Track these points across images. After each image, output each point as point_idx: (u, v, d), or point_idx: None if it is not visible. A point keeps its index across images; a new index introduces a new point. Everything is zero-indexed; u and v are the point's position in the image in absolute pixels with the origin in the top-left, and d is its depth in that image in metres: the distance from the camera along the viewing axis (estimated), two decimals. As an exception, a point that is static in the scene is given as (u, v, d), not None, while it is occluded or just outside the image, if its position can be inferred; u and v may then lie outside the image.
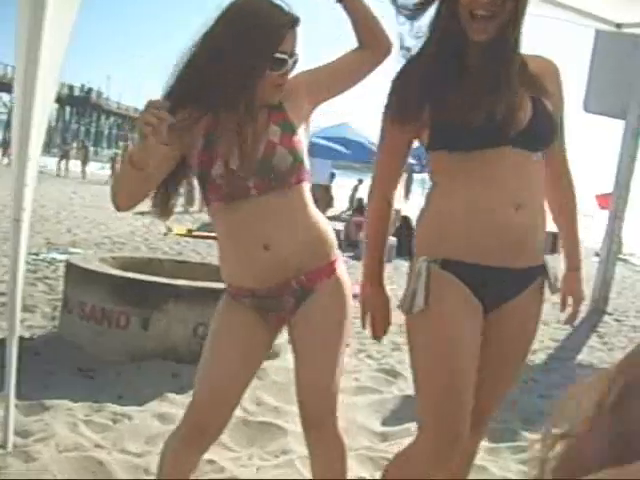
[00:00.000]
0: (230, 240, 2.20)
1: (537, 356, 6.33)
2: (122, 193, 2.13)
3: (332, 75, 2.24)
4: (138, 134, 1.96)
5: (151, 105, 1.92)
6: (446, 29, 1.96)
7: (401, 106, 2.02)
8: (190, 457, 2.24)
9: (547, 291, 2.20)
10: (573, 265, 2.30)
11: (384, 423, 4.00)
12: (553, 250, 15.57)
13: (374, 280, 2.29)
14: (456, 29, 1.93)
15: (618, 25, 3.20)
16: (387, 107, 2.06)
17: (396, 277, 10.72)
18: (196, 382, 2.25)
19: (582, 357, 6.56)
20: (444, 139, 1.99)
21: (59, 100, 66.87)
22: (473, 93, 1.92)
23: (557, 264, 2.24)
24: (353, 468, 3.23)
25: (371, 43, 2.18)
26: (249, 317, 2.23)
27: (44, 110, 2.94)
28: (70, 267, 4.78)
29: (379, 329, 2.35)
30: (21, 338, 4.50)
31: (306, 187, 2.17)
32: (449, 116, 1.94)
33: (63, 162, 28.03)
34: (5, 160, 26.10)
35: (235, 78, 2.04)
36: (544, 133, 2.02)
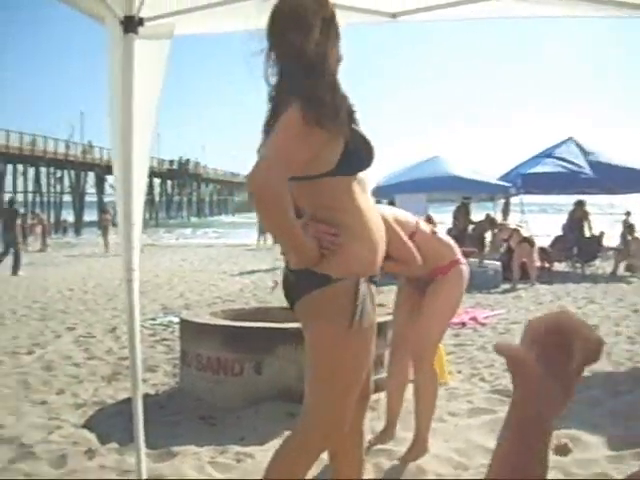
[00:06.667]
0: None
1: (658, 361, 6.13)
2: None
3: None
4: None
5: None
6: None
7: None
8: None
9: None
10: None
11: (501, 440, 4.00)
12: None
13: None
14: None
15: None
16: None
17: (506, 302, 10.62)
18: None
19: None
20: (356, 162, 2.30)
21: (160, 175, 69.99)
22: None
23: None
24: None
25: None
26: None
27: (141, 181, 3.21)
28: (184, 323, 5.07)
29: None
30: (147, 395, 4.82)
31: None
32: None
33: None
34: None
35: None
36: None
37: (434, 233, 3.72)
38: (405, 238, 3.42)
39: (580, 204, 15.43)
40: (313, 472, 3.40)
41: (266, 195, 2.08)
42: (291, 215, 2.12)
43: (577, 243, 15.07)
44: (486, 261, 13.11)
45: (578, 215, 15.39)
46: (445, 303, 3.66)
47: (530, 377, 0.82)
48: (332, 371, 2.29)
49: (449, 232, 15.89)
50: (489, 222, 16.03)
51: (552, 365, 0.82)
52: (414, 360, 3.72)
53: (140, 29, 2.94)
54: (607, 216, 18.20)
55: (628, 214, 16.49)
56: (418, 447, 3.69)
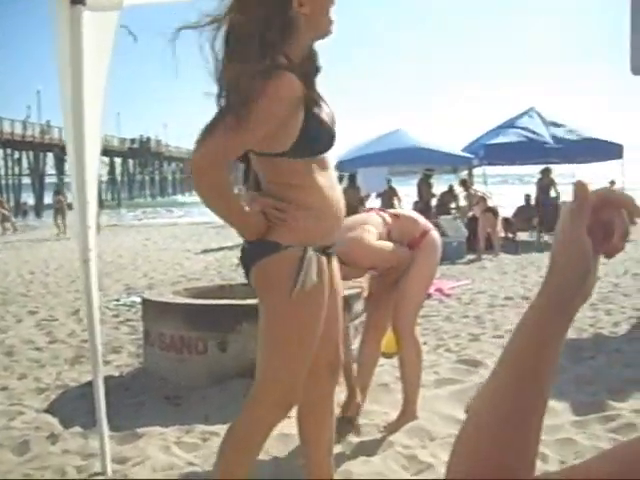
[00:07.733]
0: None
1: (621, 327, 6.22)
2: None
3: None
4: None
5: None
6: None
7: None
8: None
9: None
10: None
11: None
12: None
13: None
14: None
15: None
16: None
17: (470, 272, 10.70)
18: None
19: (667, 322, 6.38)
20: (315, 146, 2.31)
21: (122, 154, 68.92)
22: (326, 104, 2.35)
23: None
24: (441, 455, 3.28)
25: None
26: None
27: (94, 158, 3.11)
28: (146, 303, 4.99)
29: None
30: (111, 377, 4.75)
31: None
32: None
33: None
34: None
35: None
36: None
37: (397, 216, 3.73)
38: (388, 245, 3.54)
39: (546, 171, 15.60)
40: (283, 453, 3.39)
41: (205, 182, 2.17)
42: (229, 195, 2.22)
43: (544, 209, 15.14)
44: (458, 220, 13.32)
45: (545, 182, 15.56)
46: (422, 273, 3.70)
47: (584, 252, 0.80)
48: (280, 339, 2.32)
49: (416, 205, 15.94)
50: (461, 183, 16.08)
51: (595, 242, 0.81)
52: (396, 331, 3.75)
53: (88, 0, 2.83)
54: (569, 186, 18.34)
55: (612, 183, 16.67)
56: (407, 414, 3.77)
